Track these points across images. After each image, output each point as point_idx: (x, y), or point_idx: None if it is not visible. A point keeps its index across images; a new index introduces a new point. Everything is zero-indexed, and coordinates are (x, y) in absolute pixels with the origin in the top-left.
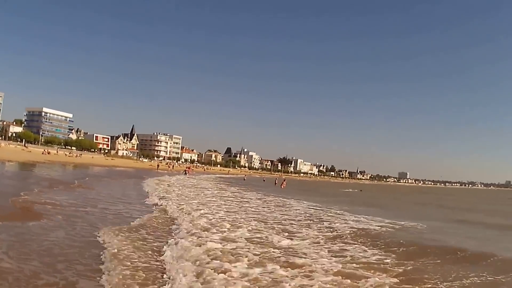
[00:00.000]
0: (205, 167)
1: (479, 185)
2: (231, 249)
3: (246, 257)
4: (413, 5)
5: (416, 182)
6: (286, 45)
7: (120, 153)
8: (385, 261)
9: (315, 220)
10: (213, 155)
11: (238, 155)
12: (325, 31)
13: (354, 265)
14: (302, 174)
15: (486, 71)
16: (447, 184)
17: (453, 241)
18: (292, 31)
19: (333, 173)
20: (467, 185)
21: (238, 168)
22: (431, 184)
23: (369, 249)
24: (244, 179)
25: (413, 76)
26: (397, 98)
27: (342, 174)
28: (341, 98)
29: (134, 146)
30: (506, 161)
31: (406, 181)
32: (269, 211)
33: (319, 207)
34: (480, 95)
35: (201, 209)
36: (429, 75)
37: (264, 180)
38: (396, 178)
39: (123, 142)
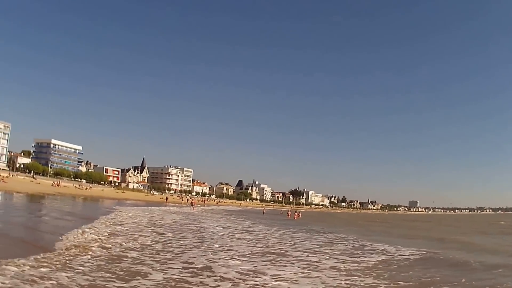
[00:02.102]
0: (217, 200)
1: (488, 210)
2: None
3: None
4: None
5: (426, 210)
6: (297, 79)
7: (130, 186)
8: None
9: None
10: (225, 188)
11: (250, 187)
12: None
13: None
14: (313, 206)
15: (490, 100)
16: (456, 211)
17: None
18: (301, 64)
19: (344, 204)
20: (476, 210)
21: (250, 200)
22: (440, 211)
23: None
24: (264, 213)
25: (412, 108)
26: (400, 132)
27: (353, 204)
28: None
29: (144, 179)
30: None
31: (417, 210)
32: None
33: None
34: (479, 125)
35: None
36: (425, 107)
37: (281, 213)
38: (406, 207)
39: (134, 175)
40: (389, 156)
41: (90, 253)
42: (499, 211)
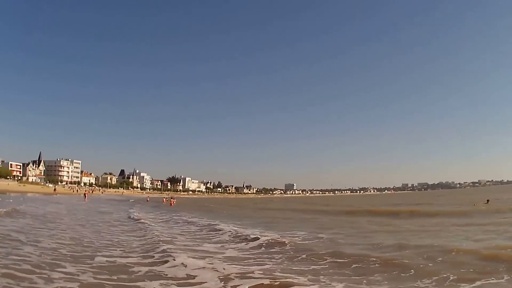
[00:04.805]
0: (102, 190)
1: (372, 190)
2: None
3: None
4: None
5: (304, 192)
6: (173, 68)
7: (30, 179)
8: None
9: None
10: (109, 178)
11: (131, 176)
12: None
13: None
14: (190, 192)
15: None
16: (336, 192)
17: None
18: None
19: (220, 189)
20: (358, 191)
21: (131, 189)
22: (319, 193)
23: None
24: (147, 201)
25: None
26: (278, 113)
27: (229, 190)
28: (222, 117)
29: (41, 172)
30: (403, 164)
31: (293, 192)
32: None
33: None
34: (366, 98)
35: None
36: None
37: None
38: (282, 190)
39: (33, 169)
40: (264, 140)
41: None
42: (385, 191)
